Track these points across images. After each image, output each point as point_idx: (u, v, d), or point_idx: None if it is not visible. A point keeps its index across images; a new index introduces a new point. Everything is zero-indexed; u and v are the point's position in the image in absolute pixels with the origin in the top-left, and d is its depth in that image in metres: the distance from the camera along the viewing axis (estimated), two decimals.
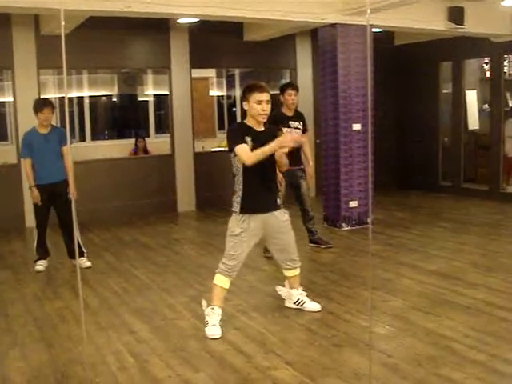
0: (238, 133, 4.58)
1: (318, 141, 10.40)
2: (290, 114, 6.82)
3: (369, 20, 5.83)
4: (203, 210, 10.00)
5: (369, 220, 8.20)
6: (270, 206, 4.72)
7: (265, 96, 4.53)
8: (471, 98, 11.59)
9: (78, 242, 6.60)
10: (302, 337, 4.51)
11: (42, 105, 6.43)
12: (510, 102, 11.88)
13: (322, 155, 9.04)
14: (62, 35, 2.55)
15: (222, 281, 4.65)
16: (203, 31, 9.43)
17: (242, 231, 4.60)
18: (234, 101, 12.12)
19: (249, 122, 4.64)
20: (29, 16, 8.51)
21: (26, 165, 6.45)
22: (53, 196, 6.42)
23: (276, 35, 9.84)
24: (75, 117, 11.54)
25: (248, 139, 4.50)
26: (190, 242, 7.96)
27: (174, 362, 4.07)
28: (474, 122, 11.64)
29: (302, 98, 10.98)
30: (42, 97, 8.08)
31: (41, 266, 6.57)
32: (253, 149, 4.45)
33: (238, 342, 4.41)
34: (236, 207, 4.64)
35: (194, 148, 10.20)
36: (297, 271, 5.02)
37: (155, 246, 7.69)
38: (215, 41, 9.96)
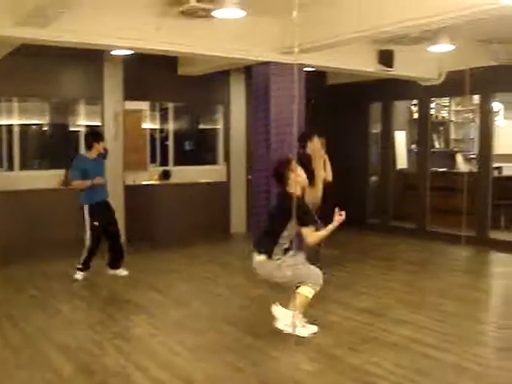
0: None
1: (249, 177, 10.44)
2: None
3: (296, 59, 5.94)
4: (133, 245, 9.66)
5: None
6: None
7: None
8: (400, 138, 11.92)
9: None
10: (226, 373, 4.44)
11: (102, 137, 7.73)
12: (435, 142, 12.32)
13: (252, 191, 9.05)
14: None
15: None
16: (138, 63, 9.37)
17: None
18: (167, 134, 12.04)
19: None
20: None
21: (77, 182, 7.32)
22: (106, 211, 7.43)
23: (210, 70, 9.90)
24: (3, 145, 11.23)
25: None
26: (117, 278, 7.75)
27: None
28: (402, 161, 11.96)
29: (235, 134, 11.11)
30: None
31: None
32: None
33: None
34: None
35: (123, 181, 10.04)
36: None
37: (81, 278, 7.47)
38: (149, 74, 9.93)
